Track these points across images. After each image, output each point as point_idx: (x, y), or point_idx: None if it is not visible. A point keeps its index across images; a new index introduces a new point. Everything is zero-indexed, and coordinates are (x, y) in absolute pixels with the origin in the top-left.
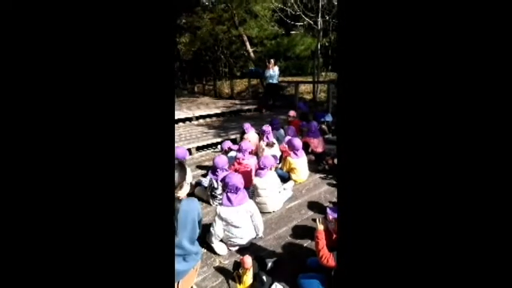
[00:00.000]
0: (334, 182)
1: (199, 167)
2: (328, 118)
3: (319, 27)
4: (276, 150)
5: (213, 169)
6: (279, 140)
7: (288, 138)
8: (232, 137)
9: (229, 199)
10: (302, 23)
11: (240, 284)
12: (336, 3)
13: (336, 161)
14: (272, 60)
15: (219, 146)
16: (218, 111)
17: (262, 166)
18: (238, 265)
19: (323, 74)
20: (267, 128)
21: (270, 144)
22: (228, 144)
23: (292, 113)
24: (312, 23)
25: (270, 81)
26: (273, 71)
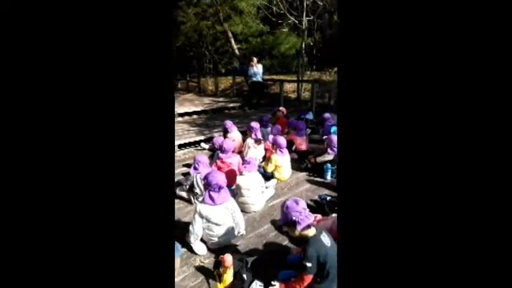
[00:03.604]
0: (317, 180)
1: (182, 165)
2: (309, 116)
3: (303, 27)
4: (261, 149)
5: (194, 165)
6: (264, 138)
7: (271, 137)
8: (216, 134)
9: (211, 198)
10: (287, 22)
11: (220, 282)
12: (320, 3)
13: (318, 159)
14: (255, 58)
15: (202, 144)
16: (202, 108)
17: (246, 166)
18: (218, 264)
19: (307, 73)
20: (255, 124)
21: (258, 141)
22: (220, 140)
23: (282, 108)
24: (296, 22)
25: (254, 79)
26: (257, 69)
